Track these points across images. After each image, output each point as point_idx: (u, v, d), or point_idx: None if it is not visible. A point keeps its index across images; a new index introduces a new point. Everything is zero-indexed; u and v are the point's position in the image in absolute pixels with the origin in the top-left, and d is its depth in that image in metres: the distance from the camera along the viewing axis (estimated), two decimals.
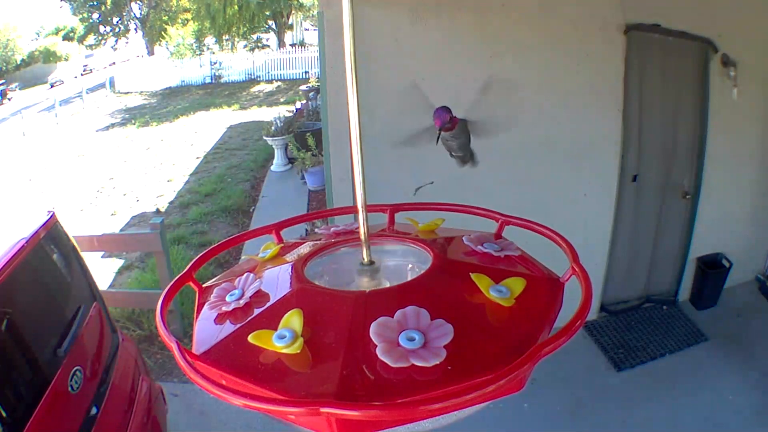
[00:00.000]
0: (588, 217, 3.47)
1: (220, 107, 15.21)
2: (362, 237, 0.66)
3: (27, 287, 2.13)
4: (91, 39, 28.79)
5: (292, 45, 22.02)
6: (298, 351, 0.50)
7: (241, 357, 0.52)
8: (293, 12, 21.74)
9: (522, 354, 0.47)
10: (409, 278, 0.68)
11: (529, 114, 3.18)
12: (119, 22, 28.55)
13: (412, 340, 0.48)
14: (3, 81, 24.89)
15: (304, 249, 0.73)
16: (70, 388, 1.98)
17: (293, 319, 0.53)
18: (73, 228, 2.84)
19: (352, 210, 0.72)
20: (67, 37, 31.84)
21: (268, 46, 23.10)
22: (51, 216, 2.39)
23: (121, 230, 6.42)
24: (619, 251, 3.67)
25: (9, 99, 23.02)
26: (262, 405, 0.44)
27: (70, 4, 27.41)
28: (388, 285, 0.66)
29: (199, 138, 11.49)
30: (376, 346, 0.48)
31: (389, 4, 2.87)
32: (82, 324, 2.26)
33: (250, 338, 0.52)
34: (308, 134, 7.09)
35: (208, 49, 21.68)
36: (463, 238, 0.71)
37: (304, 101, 10.53)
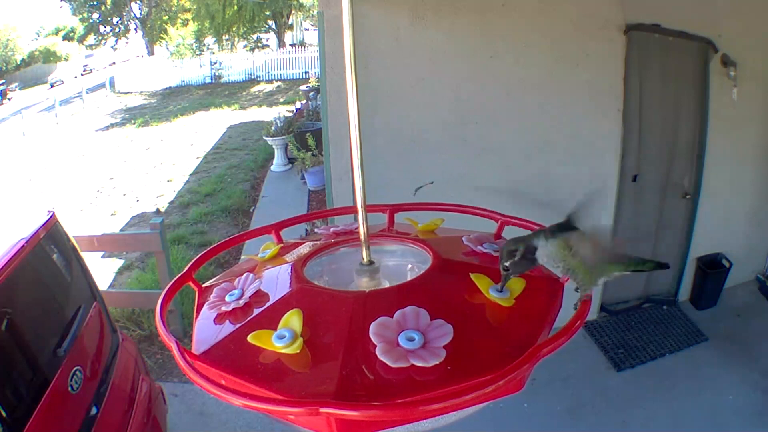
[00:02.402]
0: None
1: (220, 107, 15.21)
2: (362, 237, 0.66)
3: (27, 287, 2.13)
4: (91, 39, 28.83)
5: (292, 45, 22.02)
6: (298, 351, 0.50)
7: (241, 357, 0.52)
8: (293, 12, 21.74)
9: (522, 354, 0.47)
10: (408, 278, 0.68)
11: (529, 114, 3.18)
12: (119, 22, 28.58)
13: (411, 340, 0.48)
14: (3, 81, 24.90)
15: (304, 249, 0.73)
16: (70, 388, 1.98)
17: (293, 319, 0.53)
18: (73, 228, 2.84)
19: (352, 210, 0.72)
20: (67, 37, 31.86)
21: (268, 46, 23.11)
22: (51, 216, 2.39)
23: (121, 230, 6.42)
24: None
25: (9, 99, 23.03)
26: (261, 405, 0.44)
27: (70, 4, 27.43)
28: (387, 285, 0.66)
29: (199, 138, 11.49)
30: (376, 346, 0.48)
31: (389, 4, 2.87)
32: (82, 324, 2.26)
33: (250, 338, 0.52)
34: (308, 134, 7.09)
35: (208, 49, 21.69)
36: (463, 238, 0.71)
37: (304, 101, 10.53)
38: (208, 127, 12.49)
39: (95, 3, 27.42)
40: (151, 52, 28.08)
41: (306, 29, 24.46)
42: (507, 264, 0.57)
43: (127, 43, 30.10)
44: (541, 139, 3.21)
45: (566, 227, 0.62)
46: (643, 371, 3.36)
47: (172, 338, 0.54)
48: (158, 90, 19.77)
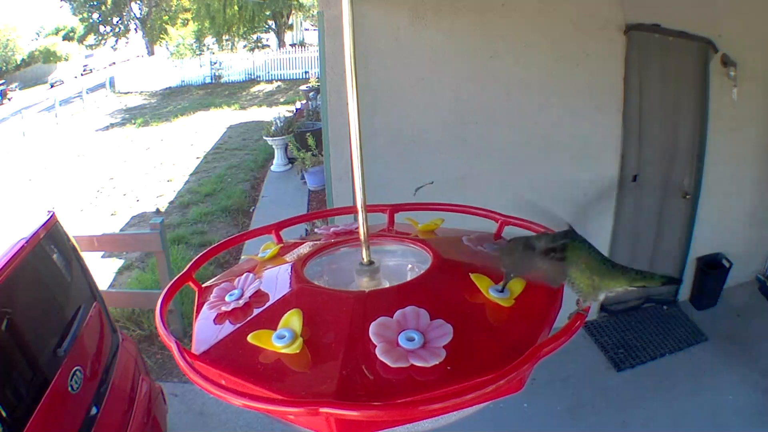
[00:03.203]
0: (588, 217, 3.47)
1: (220, 107, 15.21)
2: (362, 237, 0.66)
3: (27, 287, 2.13)
4: (91, 39, 28.83)
5: (292, 45, 22.01)
6: (298, 351, 0.50)
7: (241, 357, 0.52)
8: (293, 12, 21.73)
9: (521, 354, 0.47)
10: (408, 278, 0.67)
11: (529, 114, 3.18)
12: (119, 22, 28.57)
13: (411, 340, 0.48)
14: (3, 81, 24.90)
15: (304, 249, 0.73)
16: (70, 388, 1.98)
17: (293, 319, 0.53)
18: (73, 228, 2.83)
19: (352, 210, 0.72)
20: (67, 37, 31.87)
21: (268, 46, 23.10)
22: (51, 216, 2.39)
23: (121, 230, 6.42)
24: (619, 251, 3.66)
25: (9, 99, 23.03)
26: (261, 405, 0.44)
27: (70, 4, 27.43)
28: (387, 285, 0.66)
29: (199, 138, 11.49)
30: (376, 346, 0.48)
31: (389, 4, 2.87)
32: (82, 324, 2.26)
33: (250, 338, 0.52)
34: (308, 134, 7.09)
35: (208, 49, 21.67)
36: (463, 238, 0.71)
37: (304, 101, 10.53)
38: (208, 127, 12.49)
39: (95, 3, 27.41)
40: (151, 52, 28.08)
41: (306, 29, 24.46)
42: (507, 262, 0.56)
43: (127, 43, 30.10)
44: (541, 139, 3.21)
45: (568, 234, 0.61)
46: (643, 371, 3.36)
47: (172, 338, 0.54)
48: (158, 90, 19.76)
